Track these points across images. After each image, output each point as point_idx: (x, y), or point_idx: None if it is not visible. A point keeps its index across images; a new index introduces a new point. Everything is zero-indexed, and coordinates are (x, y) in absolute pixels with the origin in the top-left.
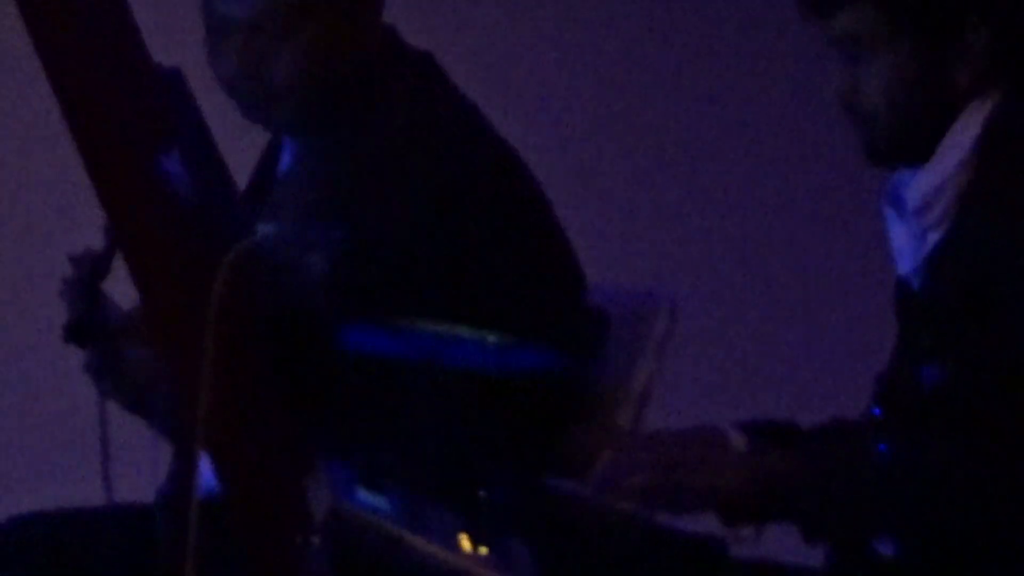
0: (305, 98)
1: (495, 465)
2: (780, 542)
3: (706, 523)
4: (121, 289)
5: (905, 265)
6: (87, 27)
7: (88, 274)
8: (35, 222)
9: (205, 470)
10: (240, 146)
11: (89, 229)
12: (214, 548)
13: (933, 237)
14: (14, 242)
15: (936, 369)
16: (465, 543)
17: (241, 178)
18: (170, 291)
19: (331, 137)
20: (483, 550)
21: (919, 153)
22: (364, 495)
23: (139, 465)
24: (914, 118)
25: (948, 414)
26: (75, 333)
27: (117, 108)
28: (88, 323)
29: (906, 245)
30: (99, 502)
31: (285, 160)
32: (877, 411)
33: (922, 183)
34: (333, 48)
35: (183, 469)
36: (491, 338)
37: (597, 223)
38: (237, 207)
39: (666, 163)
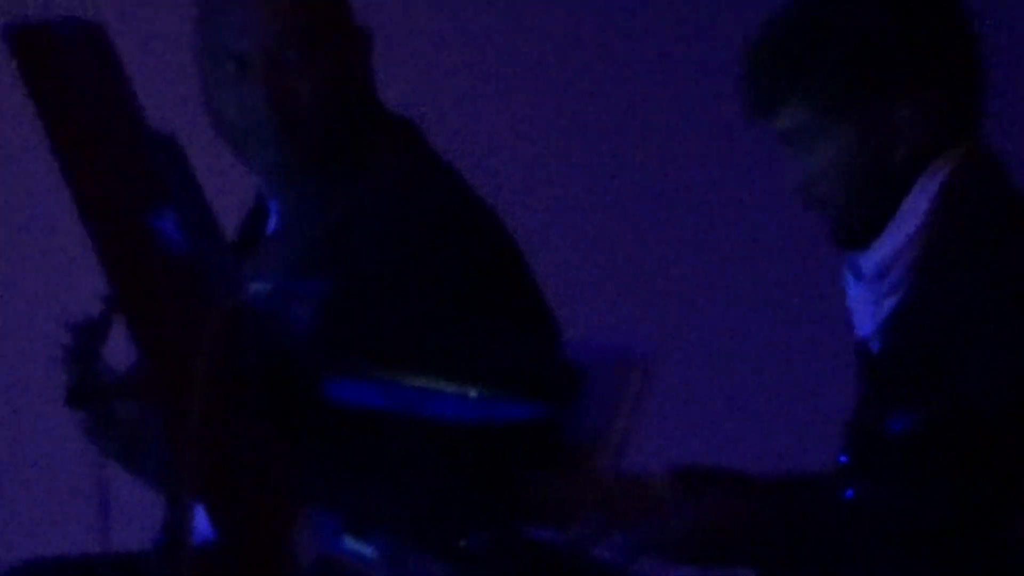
0: (319, 129)
1: (475, 514)
2: None
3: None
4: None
5: (864, 327)
6: (86, 96)
7: (86, 342)
8: (34, 273)
9: (199, 519)
10: (228, 207)
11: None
12: None
13: (890, 302)
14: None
15: (900, 419)
16: None
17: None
18: (165, 346)
19: (316, 192)
20: None
21: (873, 231)
22: (350, 542)
23: (136, 514)
24: (868, 198)
25: (913, 461)
26: (74, 398)
27: (114, 171)
28: (86, 389)
29: (864, 309)
30: (97, 550)
31: (272, 221)
32: (844, 459)
33: (878, 251)
34: (349, 77)
35: (177, 518)
36: (471, 392)
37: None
38: (230, 265)
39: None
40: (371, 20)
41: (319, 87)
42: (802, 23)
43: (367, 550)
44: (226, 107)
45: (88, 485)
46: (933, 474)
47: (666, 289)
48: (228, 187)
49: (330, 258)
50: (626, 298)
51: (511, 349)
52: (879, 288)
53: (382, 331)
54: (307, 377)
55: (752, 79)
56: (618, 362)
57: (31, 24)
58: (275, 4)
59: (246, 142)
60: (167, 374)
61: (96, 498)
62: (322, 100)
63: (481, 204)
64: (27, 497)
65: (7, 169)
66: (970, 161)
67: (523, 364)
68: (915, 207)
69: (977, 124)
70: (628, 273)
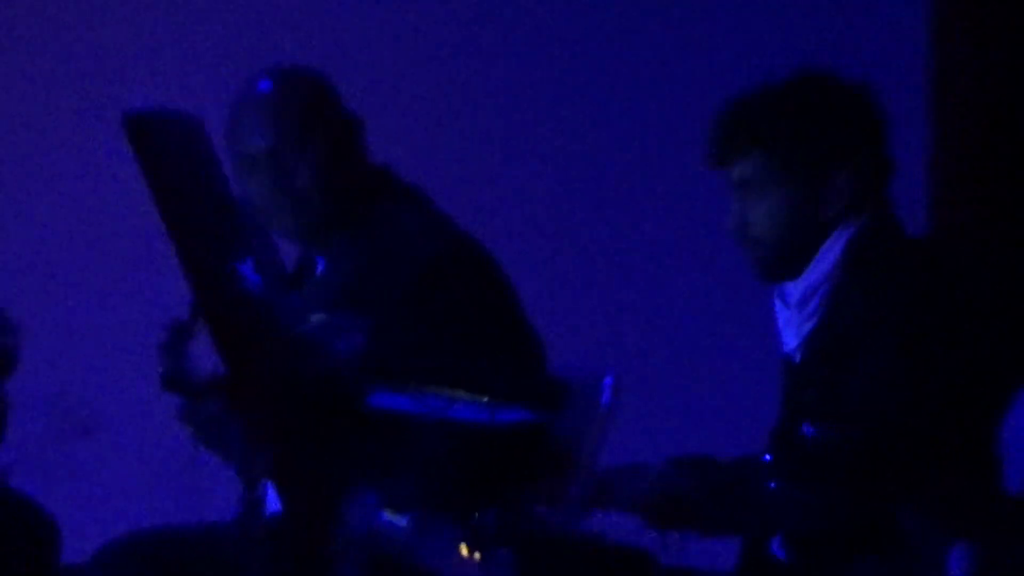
0: (321, 204)
1: (484, 493)
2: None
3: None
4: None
5: (789, 343)
6: (186, 171)
7: (176, 338)
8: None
9: (270, 496)
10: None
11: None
12: (278, 556)
13: (809, 325)
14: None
15: (811, 427)
16: (464, 551)
17: None
18: (245, 361)
19: (349, 245)
20: (477, 556)
21: (796, 270)
22: (386, 515)
23: (220, 492)
24: (791, 243)
25: (821, 460)
26: (167, 383)
27: (207, 230)
28: (177, 375)
29: (789, 329)
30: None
31: (319, 267)
32: (768, 458)
33: (801, 285)
34: (337, 165)
35: (252, 495)
36: (481, 401)
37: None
38: (291, 301)
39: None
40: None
41: (313, 173)
42: (770, 101)
43: (400, 521)
44: (248, 195)
45: (182, 468)
46: (833, 472)
47: (632, 316)
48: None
49: (361, 297)
50: (598, 322)
51: (510, 368)
52: (801, 314)
53: (411, 355)
54: (353, 388)
55: (721, 135)
56: (592, 378)
57: (144, 113)
58: (272, 115)
59: (268, 220)
60: (245, 382)
61: (188, 478)
62: (316, 183)
63: (477, 246)
64: (133, 477)
65: (124, 217)
66: (874, 220)
67: (519, 380)
68: (830, 252)
69: (884, 193)
70: (599, 300)
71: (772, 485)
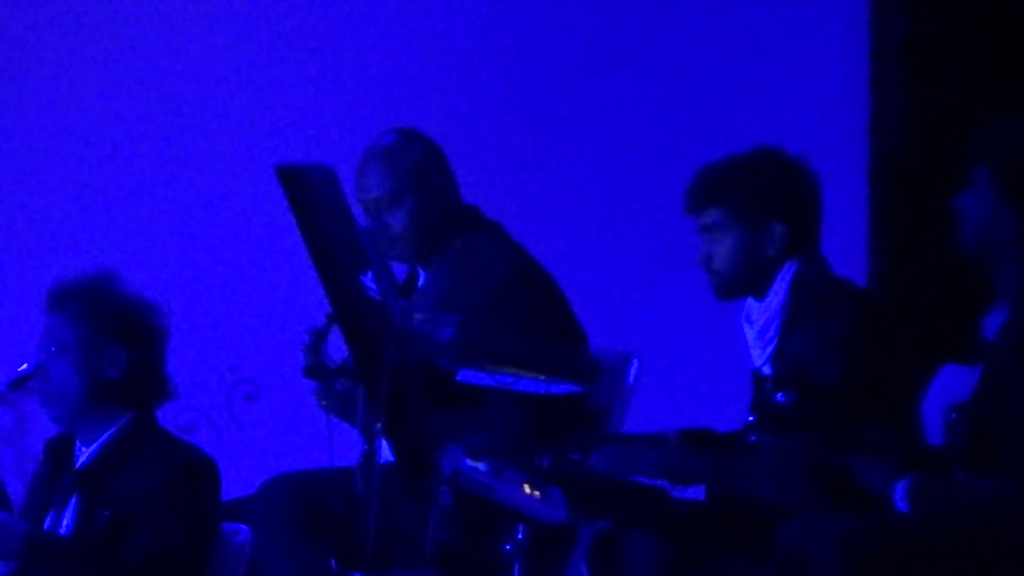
0: (422, 237)
1: (542, 446)
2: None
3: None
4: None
5: (757, 360)
6: (325, 211)
7: (315, 339)
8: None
9: (385, 448)
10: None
11: None
12: (389, 492)
13: (771, 347)
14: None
15: (782, 396)
16: (526, 489)
17: None
18: (367, 350)
19: (444, 264)
20: (536, 492)
21: (746, 294)
22: (469, 462)
23: (348, 444)
24: (742, 274)
25: (789, 419)
26: (309, 373)
27: (342, 254)
28: (316, 367)
29: (755, 349)
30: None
31: (421, 280)
32: (751, 418)
33: (761, 315)
34: (427, 209)
35: (370, 448)
36: (540, 377)
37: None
38: (402, 306)
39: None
40: None
41: (406, 219)
42: (727, 169)
43: (480, 466)
44: (370, 227)
45: (321, 428)
46: (799, 424)
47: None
48: None
49: (453, 303)
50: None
51: (560, 353)
52: (763, 338)
53: (488, 344)
54: (446, 368)
55: (692, 192)
56: (621, 358)
57: (292, 165)
58: (375, 176)
59: (385, 246)
60: (368, 366)
61: (326, 434)
62: (408, 226)
63: (538, 265)
64: (285, 433)
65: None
66: (809, 261)
67: (567, 362)
68: (779, 289)
69: (816, 240)
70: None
71: (752, 438)
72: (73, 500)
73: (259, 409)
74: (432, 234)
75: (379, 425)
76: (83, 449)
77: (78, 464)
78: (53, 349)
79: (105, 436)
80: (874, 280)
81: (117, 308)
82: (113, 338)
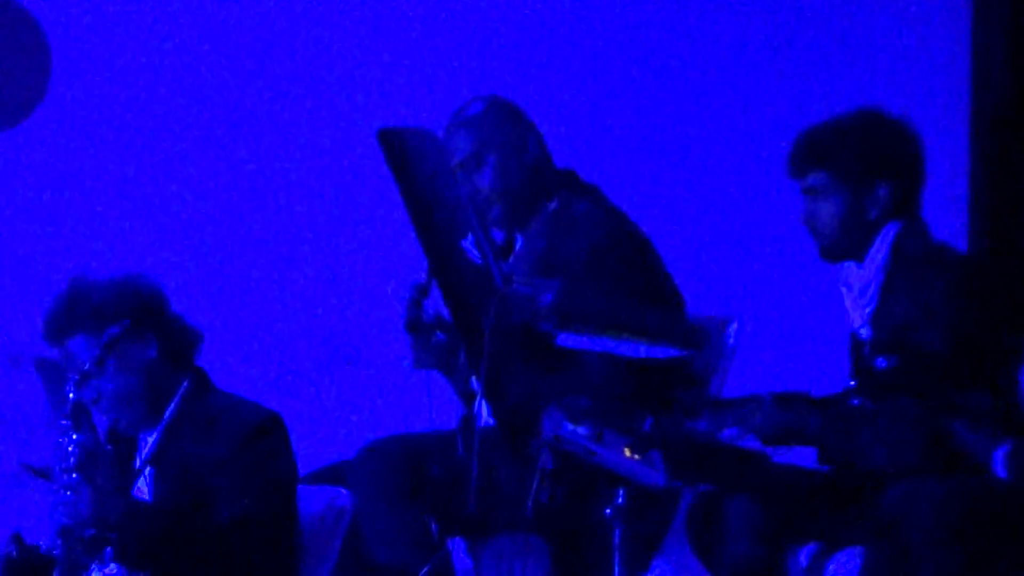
0: (502, 201)
1: (643, 410)
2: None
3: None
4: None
5: (856, 321)
6: (426, 175)
7: (417, 295)
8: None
9: (484, 411)
10: None
11: None
12: (489, 456)
13: (869, 308)
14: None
15: (882, 361)
16: (627, 452)
17: None
18: (468, 311)
19: (541, 228)
20: (637, 456)
21: (852, 255)
22: (570, 426)
23: (447, 407)
24: (846, 236)
25: (890, 384)
26: (410, 327)
27: (442, 219)
28: (416, 323)
29: (854, 310)
30: (427, 429)
31: (518, 244)
32: (853, 383)
33: (860, 278)
34: (511, 169)
35: (469, 411)
36: (642, 341)
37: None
38: (502, 269)
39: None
40: None
41: (491, 179)
42: (831, 131)
43: (581, 430)
44: (469, 191)
45: (421, 393)
46: (900, 389)
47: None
48: None
49: (551, 266)
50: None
51: (660, 316)
52: (862, 300)
53: (588, 307)
54: (546, 332)
55: (795, 155)
56: (721, 322)
57: (394, 129)
58: (458, 140)
59: (483, 209)
60: (470, 327)
61: (425, 398)
62: (494, 186)
63: (636, 226)
64: (382, 396)
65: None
66: (911, 225)
67: (667, 325)
68: (879, 251)
69: (918, 204)
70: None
71: (855, 402)
72: (148, 474)
73: (359, 373)
74: (523, 196)
75: (480, 389)
76: (147, 439)
77: (147, 452)
78: (88, 369)
79: (168, 412)
80: (975, 243)
81: (115, 301)
82: (135, 329)
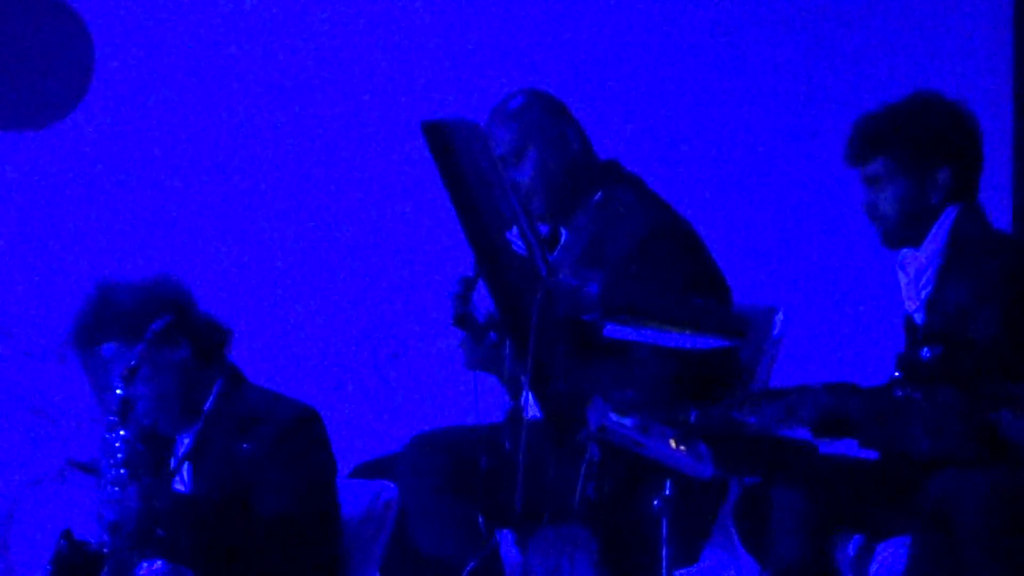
0: (544, 193)
1: (691, 400)
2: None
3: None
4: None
5: (911, 305)
6: (471, 166)
7: (464, 289)
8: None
9: (531, 404)
10: None
11: None
12: (536, 448)
13: (926, 291)
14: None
15: (928, 351)
16: (673, 443)
17: None
18: (514, 304)
19: (586, 219)
20: (683, 448)
21: (912, 242)
22: (616, 417)
23: (494, 402)
24: (908, 222)
25: (935, 374)
26: (458, 322)
27: (487, 211)
28: (465, 316)
29: (910, 295)
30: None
31: (563, 236)
32: (898, 374)
33: (917, 261)
34: (552, 162)
35: (515, 404)
36: (688, 331)
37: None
38: (546, 262)
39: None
40: None
41: (532, 172)
42: (889, 118)
43: (627, 422)
44: (515, 184)
45: (467, 386)
46: (944, 380)
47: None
48: None
49: (596, 258)
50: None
51: (706, 307)
52: (918, 283)
53: (634, 298)
54: (592, 323)
55: (855, 142)
56: (766, 312)
57: (438, 121)
58: (499, 134)
59: (528, 202)
60: (515, 319)
61: (472, 391)
62: (536, 179)
63: (681, 217)
64: (428, 389)
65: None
66: (969, 209)
67: (713, 316)
68: (937, 235)
69: (976, 188)
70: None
71: (899, 393)
72: (187, 471)
73: (405, 366)
74: (566, 188)
75: (526, 380)
76: (183, 439)
77: (184, 450)
78: (123, 378)
79: (205, 409)
80: (1019, 232)
81: (144, 305)
82: (167, 331)
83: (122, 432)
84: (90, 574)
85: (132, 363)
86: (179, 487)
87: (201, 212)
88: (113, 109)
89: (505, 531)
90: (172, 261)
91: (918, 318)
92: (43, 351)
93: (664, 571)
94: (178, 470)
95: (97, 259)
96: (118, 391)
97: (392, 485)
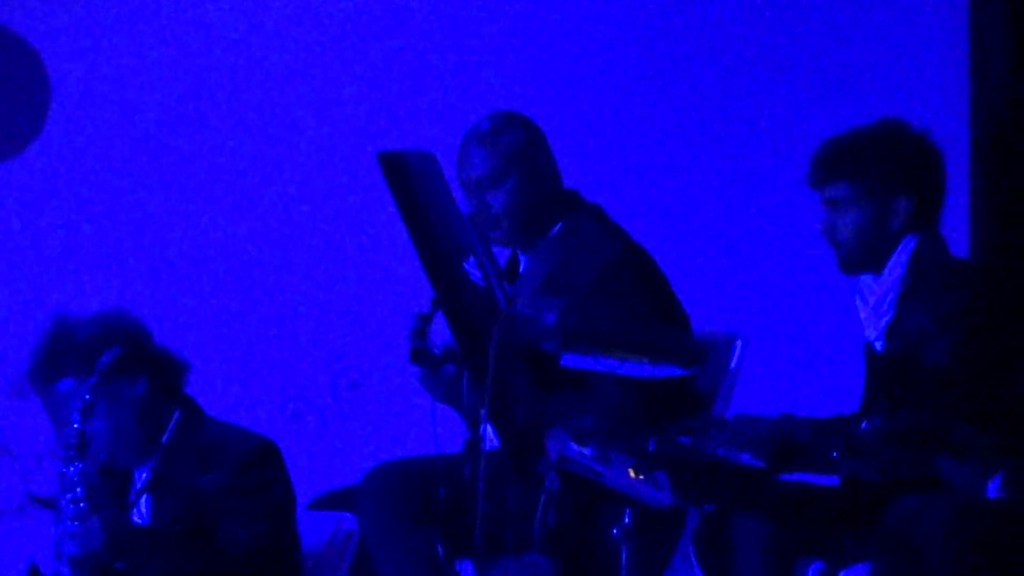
0: (515, 220)
1: (648, 428)
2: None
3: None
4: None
5: (870, 334)
6: (427, 197)
7: (421, 324)
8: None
9: (490, 434)
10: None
11: None
12: (496, 478)
13: (886, 318)
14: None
15: (867, 423)
16: (632, 472)
17: None
18: (471, 334)
19: (546, 248)
20: (642, 477)
21: (871, 268)
22: (576, 447)
23: (452, 431)
24: (867, 248)
25: (897, 399)
26: (415, 357)
27: (444, 241)
28: (422, 353)
29: (870, 321)
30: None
31: (523, 265)
32: (866, 426)
33: (877, 288)
34: (528, 190)
35: (474, 434)
36: (646, 360)
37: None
38: (505, 291)
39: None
40: None
41: (507, 199)
42: (853, 143)
43: (585, 451)
44: (471, 211)
45: (426, 416)
46: (906, 404)
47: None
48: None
49: (555, 287)
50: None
51: (664, 336)
52: (878, 311)
53: (592, 327)
54: (550, 352)
55: (818, 166)
56: (726, 340)
57: (395, 152)
58: (478, 156)
59: (486, 230)
60: (474, 349)
61: (431, 421)
62: (510, 206)
63: (640, 247)
64: (388, 419)
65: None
66: (929, 237)
67: (671, 345)
68: (897, 262)
69: (938, 217)
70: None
71: (864, 425)
72: (145, 504)
73: (364, 397)
74: (533, 216)
75: (484, 411)
76: (141, 473)
77: (142, 483)
78: (80, 412)
79: (163, 442)
80: (975, 254)
81: (99, 340)
82: (123, 365)
83: (80, 465)
84: None
85: (87, 398)
86: (137, 520)
87: (157, 246)
88: (69, 145)
89: (465, 561)
90: (129, 295)
91: (878, 346)
92: (2, 386)
93: None
94: (136, 503)
95: (54, 294)
96: (75, 425)
97: (352, 516)
